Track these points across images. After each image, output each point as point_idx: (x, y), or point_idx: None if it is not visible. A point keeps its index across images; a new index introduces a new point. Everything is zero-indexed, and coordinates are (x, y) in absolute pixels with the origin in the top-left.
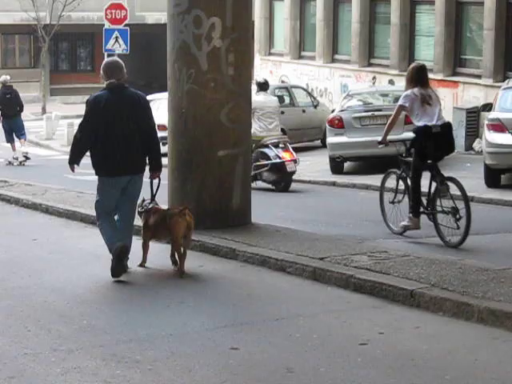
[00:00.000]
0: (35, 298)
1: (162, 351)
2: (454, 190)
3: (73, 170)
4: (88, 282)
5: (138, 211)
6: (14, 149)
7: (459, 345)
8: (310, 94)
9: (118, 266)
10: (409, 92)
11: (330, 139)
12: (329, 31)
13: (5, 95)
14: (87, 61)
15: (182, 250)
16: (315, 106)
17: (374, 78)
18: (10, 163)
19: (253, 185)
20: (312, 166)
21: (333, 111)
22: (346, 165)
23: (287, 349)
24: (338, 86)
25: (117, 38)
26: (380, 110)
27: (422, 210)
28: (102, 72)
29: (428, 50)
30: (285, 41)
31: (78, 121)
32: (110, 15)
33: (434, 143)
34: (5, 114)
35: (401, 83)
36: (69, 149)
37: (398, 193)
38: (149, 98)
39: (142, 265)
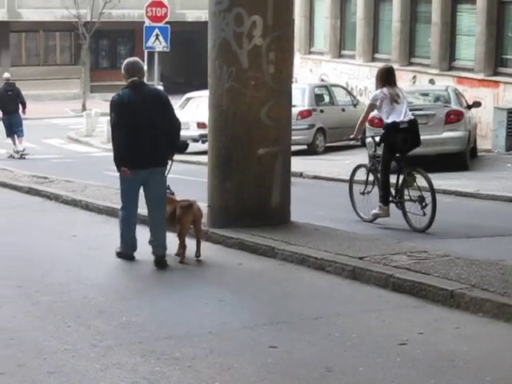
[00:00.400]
0: (75, 294)
1: (201, 349)
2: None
3: (126, 174)
4: (127, 279)
5: None
6: (14, 143)
7: (500, 346)
8: (349, 93)
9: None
10: (378, 92)
11: (370, 138)
12: (369, 30)
13: (6, 92)
14: (127, 58)
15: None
16: (355, 105)
17: (415, 77)
18: (11, 156)
19: None
20: (351, 165)
21: None
22: None
23: (326, 348)
24: None
25: (157, 35)
26: (420, 110)
27: (391, 199)
28: (123, 71)
29: (469, 50)
30: (325, 39)
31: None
32: (150, 13)
33: (402, 138)
34: (5, 109)
35: (441, 82)
36: (108, 146)
37: (367, 184)
38: (188, 95)
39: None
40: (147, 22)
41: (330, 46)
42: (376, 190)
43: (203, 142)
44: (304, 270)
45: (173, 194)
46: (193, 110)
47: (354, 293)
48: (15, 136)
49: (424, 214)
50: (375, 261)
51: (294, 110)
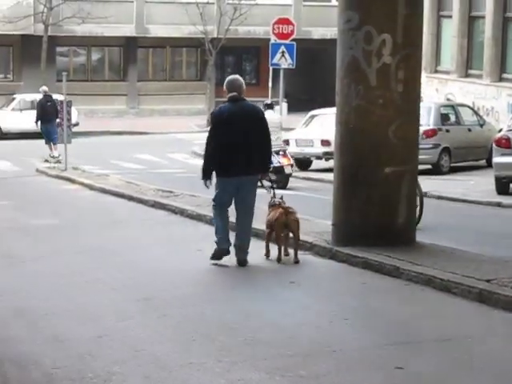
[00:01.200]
0: (201, 308)
1: (325, 367)
2: None
3: (207, 186)
4: (252, 295)
5: (269, 205)
6: (50, 149)
7: None
8: (476, 113)
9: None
10: None
11: (497, 159)
12: (497, 49)
13: (46, 102)
14: (252, 74)
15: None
16: (481, 125)
17: None
18: (46, 161)
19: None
20: (476, 186)
21: (500, 131)
22: None
23: (454, 371)
24: (506, 105)
25: (283, 52)
26: None
27: None
28: (225, 87)
29: None
30: (451, 58)
31: None
32: (276, 30)
33: None
34: (44, 118)
35: None
36: None
37: None
38: (313, 112)
39: (266, 256)
40: (273, 39)
41: (456, 65)
42: None
43: (327, 159)
44: (429, 291)
45: (280, 202)
46: (317, 128)
47: (482, 316)
48: (51, 143)
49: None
50: (503, 284)
51: (420, 129)
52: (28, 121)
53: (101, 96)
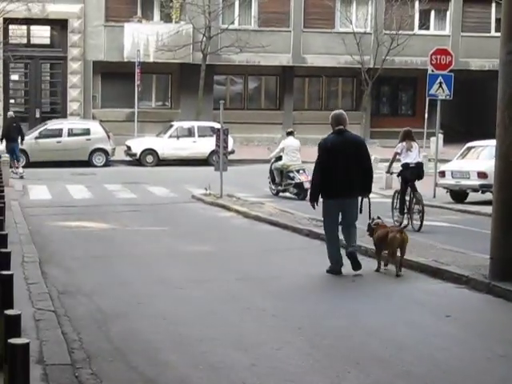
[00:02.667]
0: (354, 339)
1: None
2: None
3: (314, 208)
4: (405, 328)
5: (368, 226)
6: (14, 166)
7: None
8: None
9: (355, 264)
10: (399, 145)
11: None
12: None
13: (12, 124)
14: (408, 105)
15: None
16: None
17: None
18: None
19: (281, 194)
20: None
21: None
22: None
23: None
24: None
25: (440, 83)
26: None
27: (405, 210)
28: (331, 120)
29: None
30: None
31: (397, 164)
32: (434, 60)
33: (411, 173)
34: (8, 138)
35: None
36: (387, 192)
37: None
38: (469, 144)
39: (377, 269)
40: (431, 70)
41: None
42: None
43: (483, 192)
44: None
45: (381, 221)
46: (474, 160)
47: None
48: (15, 160)
49: (419, 220)
50: None
51: None
52: (184, 147)
53: (256, 124)
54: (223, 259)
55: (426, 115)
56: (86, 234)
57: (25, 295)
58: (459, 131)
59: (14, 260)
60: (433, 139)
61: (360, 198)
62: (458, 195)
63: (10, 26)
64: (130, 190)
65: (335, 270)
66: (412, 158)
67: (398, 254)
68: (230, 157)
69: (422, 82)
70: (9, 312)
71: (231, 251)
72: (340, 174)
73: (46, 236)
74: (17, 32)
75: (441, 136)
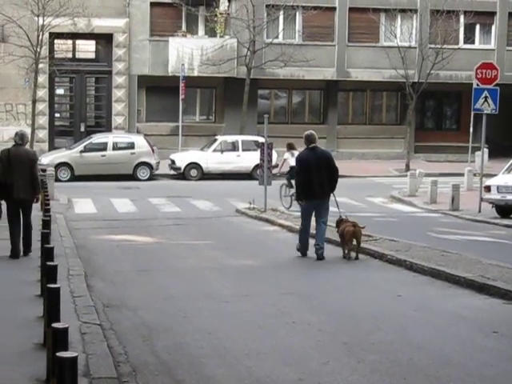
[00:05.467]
0: (400, 354)
1: None
2: None
3: (301, 205)
4: (450, 343)
5: (336, 222)
6: None
7: None
8: None
9: (319, 257)
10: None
11: None
12: None
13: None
14: (452, 119)
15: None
16: None
17: None
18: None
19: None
20: None
21: None
22: None
23: None
24: None
25: (486, 97)
26: None
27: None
28: (304, 139)
29: None
30: None
31: (442, 179)
32: (480, 74)
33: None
34: None
35: None
36: (432, 207)
37: None
38: None
39: (344, 256)
40: (476, 84)
41: None
42: None
43: None
44: None
45: (346, 218)
46: None
47: None
48: None
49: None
50: None
51: None
52: (228, 161)
53: (300, 139)
54: (268, 273)
55: (471, 129)
56: (131, 247)
57: (71, 308)
58: (505, 146)
59: (60, 273)
60: (478, 153)
61: (333, 198)
62: (504, 210)
63: (56, 41)
64: (174, 204)
65: (303, 252)
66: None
67: (355, 243)
68: (274, 171)
69: (466, 96)
70: (56, 325)
71: (276, 265)
72: (314, 181)
73: (91, 250)
74: (62, 46)
75: (486, 150)
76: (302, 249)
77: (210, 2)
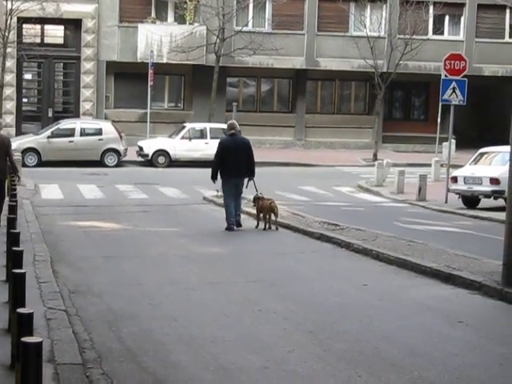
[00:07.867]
0: (365, 344)
1: None
2: None
3: (214, 183)
4: (415, 333)
5: (253, 198)
6: None
7: None
8: None
9: (238, 225)
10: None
11: None
12: None
13: None
14: (420, 110)
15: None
16: None
17: None
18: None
19: None
20: None
21: None
22: None
23: None
24: None
25: (454, 88)
26: None
27: None
28: (227, 127)
29: None
30: None
31: (410, 169)
32: (448, 66)
33: None
34: None
35: None
36: (399, 197)
37: None
38: (482, 150)
39: (256, 226)
40: (444, 75)
41: None
42: None
43: (495, 198)
44: None
45: (262, 196)
46: (486, 166)
47: None
48: None
49: None
50: None
51: None
52: (196, 149)
53: (269, 127)
54: (235, 261)
55: (439, 120)
56: (98, 234)
57: (36, 294)
58: (472, 137)
59: (26, 259)
60: (445, 144)
61: (247, 179)
62: (470, 201)
63: (24, 25)
64: (141, 191)
65: (230, 228)
66: None
67: (273, 217)
68: None
69: (435, 87)
70: (21, 310)
71: (243, 253)
72: (233, 163)
73: (58, 235)
74: (30, 31)
75: (453, 141)
76: (230, 225)
77: None
